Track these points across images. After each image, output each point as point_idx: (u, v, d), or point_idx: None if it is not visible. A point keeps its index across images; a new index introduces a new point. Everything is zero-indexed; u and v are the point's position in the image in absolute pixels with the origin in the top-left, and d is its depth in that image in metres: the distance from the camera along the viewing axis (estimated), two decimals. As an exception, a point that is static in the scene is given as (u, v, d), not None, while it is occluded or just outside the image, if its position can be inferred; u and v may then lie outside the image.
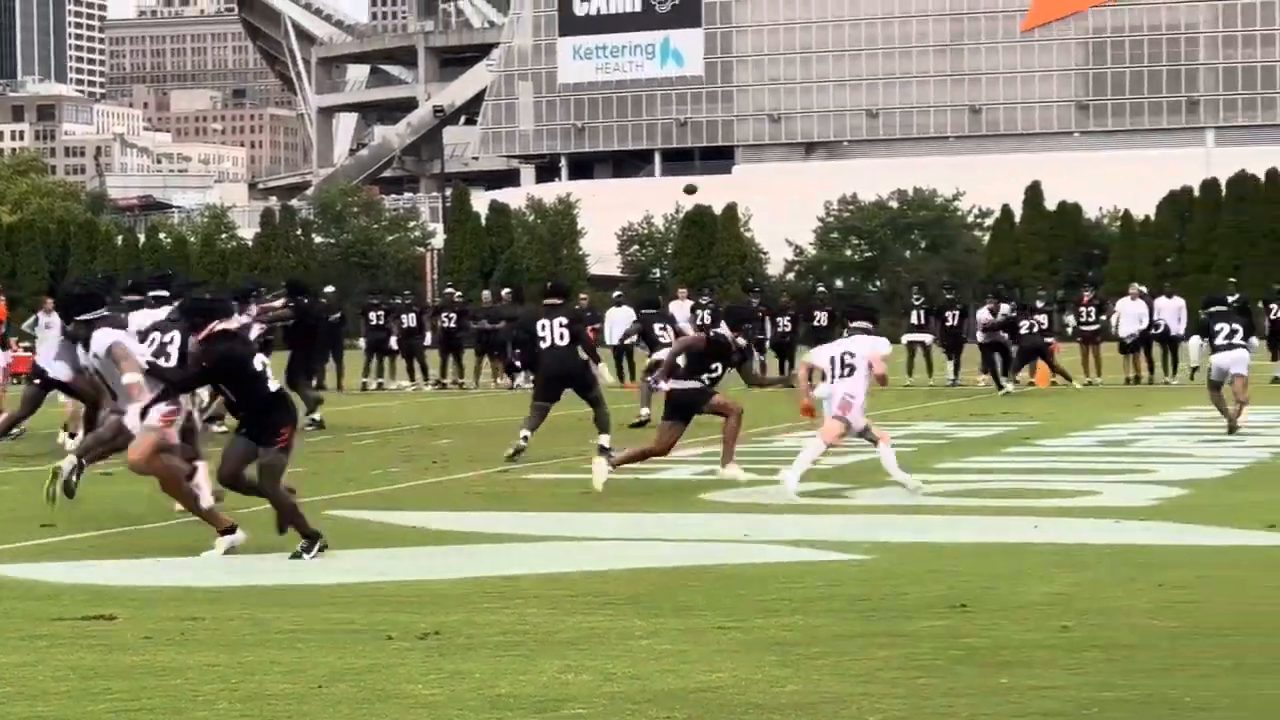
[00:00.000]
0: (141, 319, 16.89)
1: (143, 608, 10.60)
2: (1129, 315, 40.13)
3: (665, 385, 17.98)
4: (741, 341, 18.52)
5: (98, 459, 15.36)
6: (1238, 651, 8.87)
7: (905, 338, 40.23)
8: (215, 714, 7.74)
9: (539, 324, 22.13)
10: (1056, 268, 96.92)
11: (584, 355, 22.21)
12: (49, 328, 26.95)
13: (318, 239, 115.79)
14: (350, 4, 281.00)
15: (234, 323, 13.85)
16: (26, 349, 38.79)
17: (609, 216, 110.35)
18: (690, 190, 72.03)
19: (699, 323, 39.29)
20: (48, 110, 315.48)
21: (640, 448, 18.39)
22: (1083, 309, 41.47)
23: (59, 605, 10.69)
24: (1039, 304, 37.50)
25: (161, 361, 14.41)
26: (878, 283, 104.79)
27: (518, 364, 40.64)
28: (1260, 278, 74.86)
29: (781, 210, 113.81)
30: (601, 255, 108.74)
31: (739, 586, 11.24)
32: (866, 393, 17.27)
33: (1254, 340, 25.24)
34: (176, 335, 15.01)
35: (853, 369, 17.08)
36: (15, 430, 23.32)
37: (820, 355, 17.54)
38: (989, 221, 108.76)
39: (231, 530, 12.96)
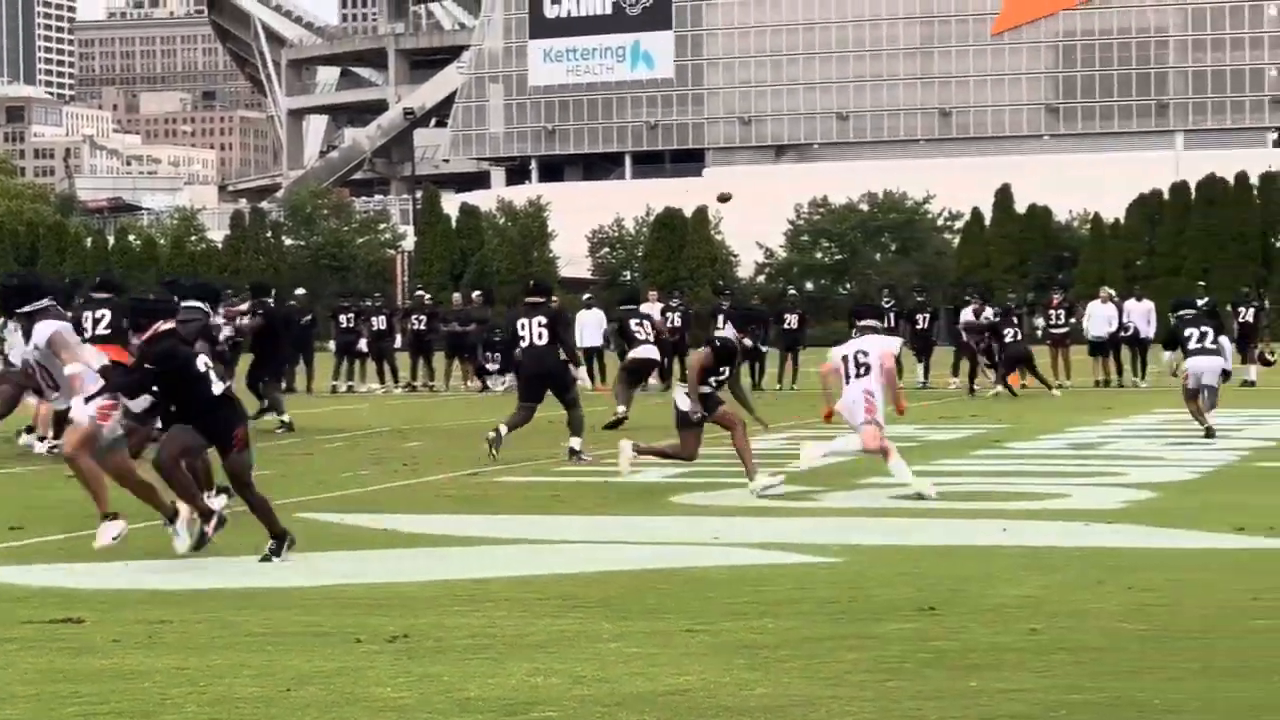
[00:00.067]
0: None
1: (111, 610, 10.57)
2: (1099, 318, 40.27)
3: (698, 414, 17.74)
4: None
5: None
6: (1206, 654, 8.89)
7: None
8: (183, 717, 7.72)
9: (519, 323, 22.06)
10: (1026, 270, 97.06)
11: (564, 356, 22.15)
12: (17, 330, 26.81)
13: (288, 241, 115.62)
14: (320, 6, 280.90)
15: (208, 321, 13.67)
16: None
17: (579, 219, 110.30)
18: (724, 198, 70.99)
19: (670, 324, 39.50)
20: (17, 112, 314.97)
21: (669, 447, 18.24)
22: (1052, 312, 41.60)
23: (27, 608, 10.65)
24: (1011, 305, 37.53)
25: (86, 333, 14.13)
26: (848, 285, 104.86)
27: (488, 367, 40.68)
28: (1229, 280, 75.25)
29: (752, 213, 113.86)
30: (572, 258, 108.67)
31: (708, 589, 11.23)
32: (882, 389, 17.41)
33: (1225, 340, 25.26)
34: (107, 314, 14.82)
35: (868, 367, 17.28)
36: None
37: (834, 356, 17.67)
38: (959, 224, 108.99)
39: (114, 517, 12.85)
